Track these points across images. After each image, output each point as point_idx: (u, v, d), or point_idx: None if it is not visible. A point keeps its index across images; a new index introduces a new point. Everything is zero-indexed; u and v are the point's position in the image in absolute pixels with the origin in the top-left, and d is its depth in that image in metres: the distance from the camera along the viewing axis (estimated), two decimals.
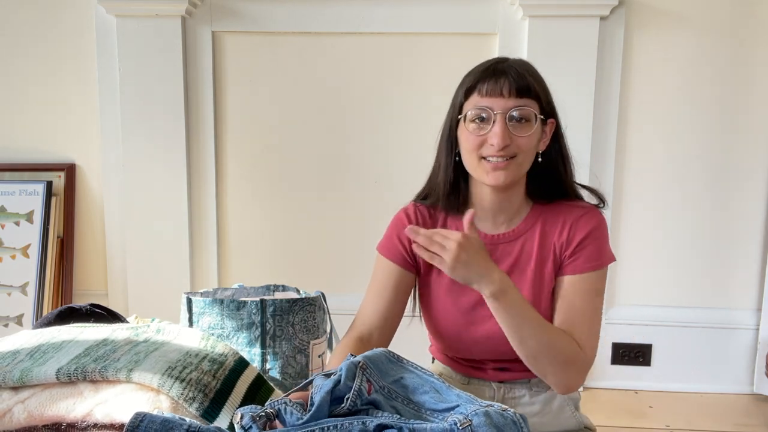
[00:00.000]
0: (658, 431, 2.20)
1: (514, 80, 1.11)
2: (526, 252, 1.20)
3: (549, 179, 1.21)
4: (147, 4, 2.29)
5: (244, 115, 2.44)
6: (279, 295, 1.38)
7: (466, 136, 1.14)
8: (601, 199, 1.25)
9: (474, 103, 1.13)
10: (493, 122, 1.11)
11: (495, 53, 2.31)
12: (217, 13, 2.36)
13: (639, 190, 2.40)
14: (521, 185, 1.21)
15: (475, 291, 1.15)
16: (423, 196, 1.29)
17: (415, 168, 2.41)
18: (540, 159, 1.18)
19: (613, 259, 1.20)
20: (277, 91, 2.42)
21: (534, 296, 1.18)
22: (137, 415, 0.70)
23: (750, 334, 2.44)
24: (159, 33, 2.33)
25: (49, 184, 2.45)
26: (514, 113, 1.11)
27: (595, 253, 1.17)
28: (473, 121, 1.13)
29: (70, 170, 2.47)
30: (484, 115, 1.12)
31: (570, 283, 1.17)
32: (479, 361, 1.26)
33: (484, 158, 1.13)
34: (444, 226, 1.25)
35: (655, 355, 2.47)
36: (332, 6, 2.34)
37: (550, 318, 1.18)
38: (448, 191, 1.22)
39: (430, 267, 1.23)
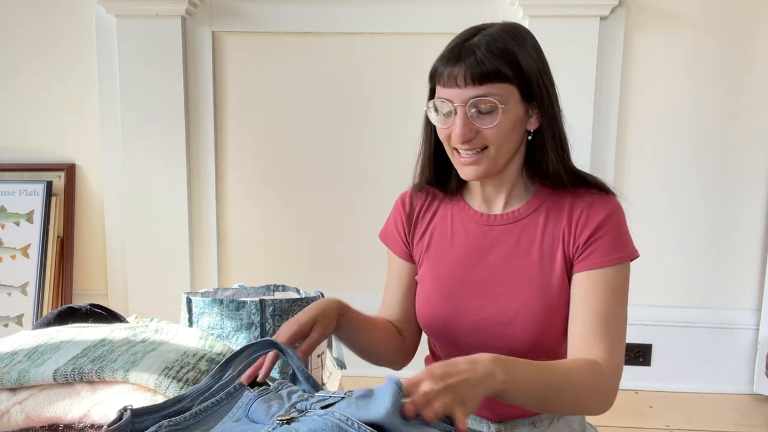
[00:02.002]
0: (658, 431, 2.20)
1: (471, 66, 0.98)
2: (526, 238, 1.09)
3: (544, 159, 1.08)
4: (147, 4, 2.29)
5: (244, 115, 2.44)
6: (279, 295, 1.38)
7: (437, 126, 1.07)
8: (607, 190, 1.11)
9: (437, 93, 1.04)
10: (454, 114, 1.01)
11: None
12: (217, 13, 2.36)
13: (639, 189, 2.40)
14: (513, 165, 1.10)
15: (463, 280, 1.11)
16: (418, 178, 1.21)
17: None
18: (530, 137, 1.07)
19: (636, 253, 1.06)
20: (277, 91, 2.42)
21: (541, 289, 1.06)
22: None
23: (750, 334, 2.44)
24: (159, 33, 2.33)
25: (49, 184, 2.45)
26: (473, 104, 0.99)
27: (613, 244, 1.04)
28: (439, 112, 1.04)
29: (70, 170, 2.47)
30: (445, 108, 1.03)
31: (586, 282, 1.04)
32: None
33: (456, 150, 1.05)
34: (437, 208, 1.19)
35: (655, 355, 2.47)
36: (332, 6, 2.33)
37: (563, 316, 1.06)
38: (436, 175, 1.15)
39: (420, 255, 1.18)
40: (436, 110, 1.05)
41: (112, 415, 0.79)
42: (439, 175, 1.16)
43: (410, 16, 2.33)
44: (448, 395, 0.75)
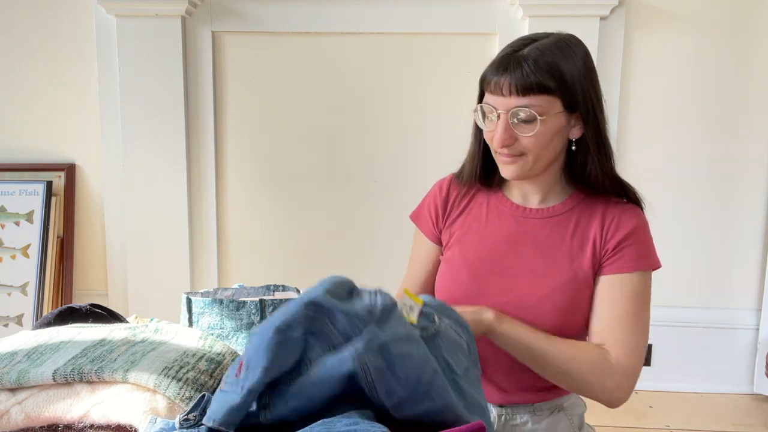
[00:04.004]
0: (658, 431, 2.20)
1: (518, 77, 1.04)
2: (558, 232, 1.16)
3: (584, 166, 1.14)
4: (147, 4, 2.29)
5: (244, 115, 2.44)
6: (279, 295, 1.37)
7: (483, 129, 1.14)
8: (637, 201, 1.18)
9: (485, 99, 1.11)
10: (497, 119, 1.08)
11: (495, 53, 2.30)
12: (217, 13, 2.36)
13: (639, 189, 2.39)
14: (552, 170, 1.16)
15: (492, 263, 1.16)
16: (461, 171, 1.26)
17: (415, 168, 2.42)
18: (574, 147, 1.13)
19: (658, 264, 1.14)
20: (277, 91, 2.42)
21: (569, 281, 1.12)
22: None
23: (750, 334, 2.44)
24: (159, 33, 2.33)
25: (49, 184, 2.45)
26: (516, 113, 1.06)
27: (638, 253, 1.12)
28: (486, 116, 1.11)
29: (70, 170, 2.47)
30: (490, 113, 1.10)
31: (609, 284, 1.11)
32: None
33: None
34: (473, 196, 1.24)
35: (655, 355, 2.47)
36: (332, 6, 2.33)
37: (583, 315, 1.13)
38: (481, 171, 1.21)
39: (450, 238, 1.23)
40: (483, 114, 1.12)
41: (112, 415, 0.79)
42: (484, 171, 1.22)
43: (410, 16, 2.33)
44: None
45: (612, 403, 1.10)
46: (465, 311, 0.99)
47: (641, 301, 1.11)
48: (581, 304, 1.13)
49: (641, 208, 1.18)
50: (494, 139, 1.09)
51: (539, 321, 1.11)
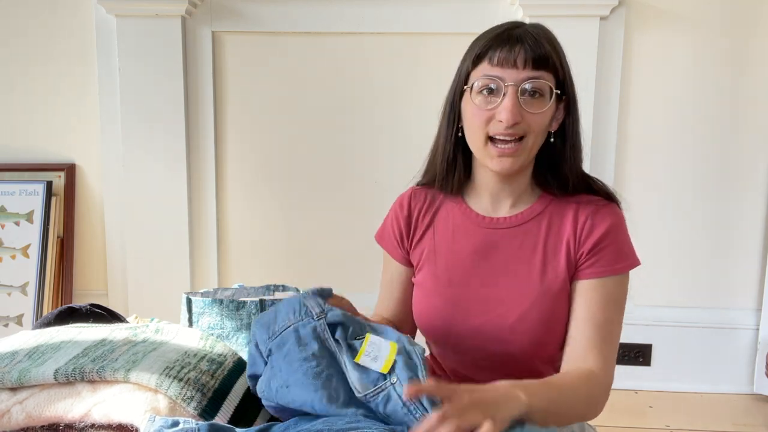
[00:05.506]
0: (658, 431, 2.20)
1: (530, 48, 0.98)
2: (529, 241, 1.08)
3: (555, 163, 1.09)
4: (147, 4, 2.29)
5: (244, 115, 2.44)
6: (279, 295, 1.38)
7: (472, 110, 1.03)
8: (611, 198, 1.11)
9: (483, 72, 1.01)
10: (504, 95, 0.99)
11: None
12: (217, 13, 2.36)
13: (639, 189, 2.40)
14: (528, 168, 1.10)
15: (464, 283, 1.10)
16: (422, 176, 1.20)
17: (416, 168, 2.41)
18: (552, 139, 1.06)
19: (637, 262, 1.08)
20: (277, 91, 2.42)
21: (543, 295, 1.06)
22: None
23: (750, 334, 2.44)
24: (159, 33, 2.33)
25: (49, 184, 2.45)
26: (528, 86, 0.98)
27: (615, 254, 1.05)
28: (481, 92, 1.01)
29: (70, 170, 2.47)
30: (493, 86, 1.00)
31: (587, 290, 1.05)
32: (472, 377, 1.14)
33: (491, 139, 1.02)
34: (437, 210, 1.17)
35: (655, 355, 2.47)
36: (332, 6, 2.34)
37: (564, 323, 1.06)
38: (444, 170, 1.12)
39: (419, 258, 1.17)
40: (476, 91, 1.03)
41: (113, 415, 0.80)
42: (446, 174, 1.14)
43: (411, 16, 2.33)
44: (477, 411, 0.76)
45: (591, 418, 1.07)
46: (497, 391, 0.85)
47: (618, 306, 1.07)
48: (561, 313, 1.07)
49: (616, 203, 1.11)
50: (502, 116, 0.99)
51: (519, 339, 1.06)
